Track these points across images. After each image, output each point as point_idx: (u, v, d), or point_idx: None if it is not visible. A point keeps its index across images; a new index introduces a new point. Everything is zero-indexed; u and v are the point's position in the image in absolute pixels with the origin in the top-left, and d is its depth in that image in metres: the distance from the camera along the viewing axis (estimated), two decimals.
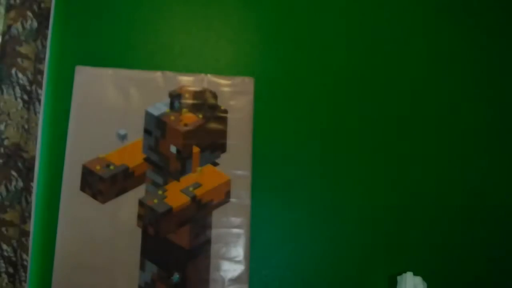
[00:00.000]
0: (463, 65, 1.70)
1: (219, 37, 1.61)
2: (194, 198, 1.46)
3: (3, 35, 1.42)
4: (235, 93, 1.54)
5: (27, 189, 1.39)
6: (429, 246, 1.55)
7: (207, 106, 1.52)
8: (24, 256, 1.37)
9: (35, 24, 1.45)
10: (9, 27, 1.41)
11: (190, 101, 1.52)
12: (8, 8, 1.43)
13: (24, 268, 1.36)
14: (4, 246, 1.32)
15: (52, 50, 1.53)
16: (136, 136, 1.48)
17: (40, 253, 1.41)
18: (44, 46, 1.48)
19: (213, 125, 1.51)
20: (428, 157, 1.62)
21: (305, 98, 1.60)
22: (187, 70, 1.56)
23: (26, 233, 1.37)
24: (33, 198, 1.42)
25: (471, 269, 1.56)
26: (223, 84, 1.54)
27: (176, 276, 1.42)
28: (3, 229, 1.32)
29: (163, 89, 1.51)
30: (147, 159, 1.47)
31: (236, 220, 1.46)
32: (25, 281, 1.36)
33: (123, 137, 1.47)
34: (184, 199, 1.46)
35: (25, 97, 1.41)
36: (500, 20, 1.75)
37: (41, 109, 1.48)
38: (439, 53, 1.70)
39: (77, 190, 1.43)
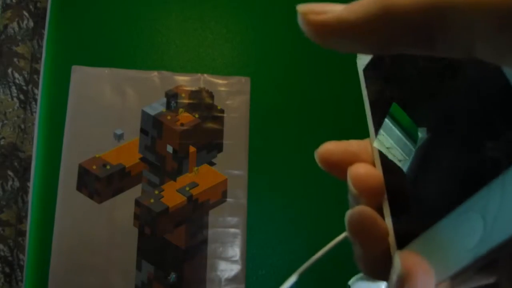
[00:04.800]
0: None
1: (216, 37, 1.61)
2: (190, 198, 1.46)
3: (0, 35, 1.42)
4: (231, 93, 1.54)
5: (24, 189, 1.39)
6: None
7: (204, 105, 1.52)
8: (21, 256, 1.37)
9: (31, 23, 1.44)
10: (5, 26, 1.41)
11: (186, 101, 1.51)
12: (4, 7, 1.43)
13: (21, 268, 1.36)
14: (1, 246, 1.32)
15: (48, 50, 1.53)
16: (133, 136, 1.47)
17: (36, 253, 1.41)
18: (40, 46, 1.48)
19: (209, 125, 1.51)
20: None
21: (302, 98, 1.59)
22: (184, 70, 1.56)
23: (22, 233, 1.38)
24: (30, 198, 1.42)
25: None
26: (219, 84, 1.54)
27: (172, 276, 1.42)
28: (0, 229, 1.32)
29: (160, 89, 1.51)
30: (143, 159, 1.47)
31: (233, 219, 1.46)
32: (21, 281, 1.36)
33: (119, 137, 1.47)
34: (181, 199, 1.46)
35: (22, 96, 1.41)
36: None
37: (38, 108, 1.48)
38: None
39: (73, 190, 1.42)
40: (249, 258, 1.47)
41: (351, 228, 0.22)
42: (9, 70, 1.39)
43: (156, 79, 1.52)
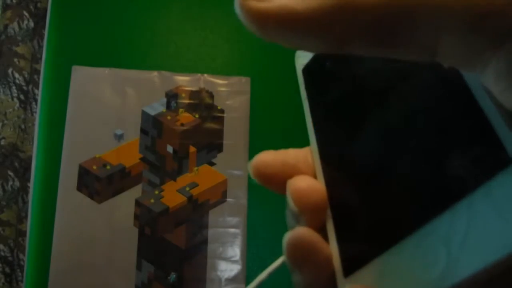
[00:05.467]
0: None
1: (216, 36, 1.61)
2: (190, 198, 1.46)
3: (0, 35, 1.42)
4: (231, 93, 1.54)
5: (24, 189, 1.39)
6: None
7: (204, 106, 1.52)
8: (21, 256, 1.37)
9: (31, 24, 1.45)
10: (5, 27, 1.41)
11: (186, 101, 1.52)
12: (4, 7, 1.43)
13: (21, 268, 1.37)
14: (1, 246, 1.32)
15: (48, 50, 1.53)
16: (133, 136, 1.48)
17: (36, 253, 1.41)
18: (40, 46, 1.48)
19: (209, 125, 1.51)
20: None
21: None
22: (184, 70, 1.56)
23: (22, 233, 1.38)
24: (30, 198, 1.43)
25: None
26: (219, 84, 1.54)
27: (172, 276, 1.42)
28: (0, 229, 1.32)
29: (160, 89, 1.51)
30: (143, 159, 1.47)
31: (233, 219, 1.47)
32: (21, 281, 1.36)
33: (119, 137, 1.47)
34: (181, 199, 1.46)
35: (22, 97, 1.41)
36: None
37: (38, 109, 1.48)
38: None
39: (73, 190, 1.42)
40: (249, 258, 1.47)
41: (289, 254, 0.19)
42: (9, 70, 1.40)
43: (156, 79, 1.52)
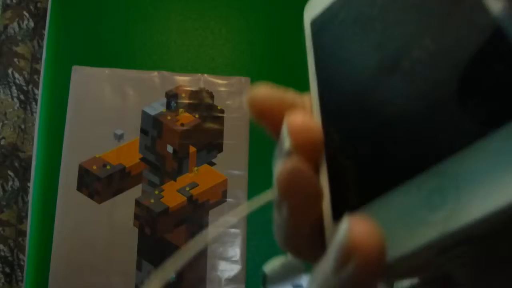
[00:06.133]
0: None
1: (216, 37, 1.61)
2: (190, 198, 1.46)
3: (0, 35, 1.42)
4: (231, 93, 1.54)
5: (24, 189, 1.39)
6: None
7: (204, 106, 1.52)
8: (21, 256, 1.37)
9: (31, 24, 1.45)
10: (5, 27, 1.41)
11: (186, 101, 1.52)
12: (4, 8, 1.43)
13: (21, 268, 1.37)
14: (1, 246, 1.32)
15: (48, 50, 1.53)
16: (133, 136, 1.47)
17: (36, 253, 1.41)
18: (40, 46, 1.48)
19: (209, 125, 1.51)
20: None
21: None
22: (184, 70, 1.56)
23: (22, 233, 1.38)
24: (30, 198, 1.42)
25: None
26: (219, 84, 1.54)
27: (172, 276, 1.42)
28: (0, 229, 1.32)
29: (160, 89, 1.51)
30: (143, 159, 1.47)
31: (233, 219, 1.46)
32: (21, 281, 1.36)
33: (119, 137, 1.47)
34: (181, 199, 1.46)
35: (22, 97, 1.41)
36: None
37: (38, 109, 1.48)
38: None
39: (73, 190, 1.42)
40: (249, 258, 1.47)
41: (282, 183, 0.17)
42: (9, 70, 1.40)
43: (156, 79, 1.52)
